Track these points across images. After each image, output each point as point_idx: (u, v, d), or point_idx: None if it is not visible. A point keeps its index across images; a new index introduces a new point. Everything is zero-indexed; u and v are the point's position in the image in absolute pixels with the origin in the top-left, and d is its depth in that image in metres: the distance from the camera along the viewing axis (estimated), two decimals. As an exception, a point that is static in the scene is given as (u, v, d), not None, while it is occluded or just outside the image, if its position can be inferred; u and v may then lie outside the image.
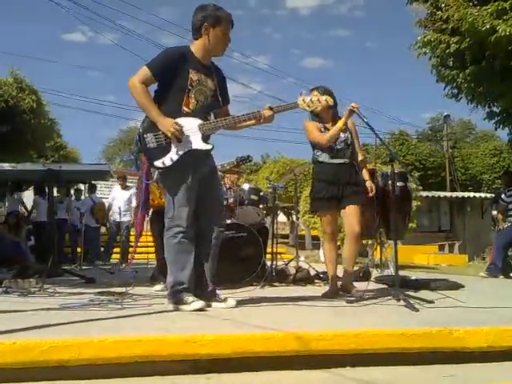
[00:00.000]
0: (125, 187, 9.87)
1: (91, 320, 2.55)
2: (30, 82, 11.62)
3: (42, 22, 65.56)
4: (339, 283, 4.14)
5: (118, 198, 9.75)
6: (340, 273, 4.10)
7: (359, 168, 4.11)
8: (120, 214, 9.51)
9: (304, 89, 4.09)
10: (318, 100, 3.26)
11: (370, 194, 4.01)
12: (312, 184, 4.24)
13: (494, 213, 8.32)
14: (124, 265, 8.55)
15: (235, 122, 3.25)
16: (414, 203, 10.30)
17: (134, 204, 9.52)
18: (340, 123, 3.94)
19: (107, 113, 74.16)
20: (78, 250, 10.02)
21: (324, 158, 4.06)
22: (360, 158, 4.14)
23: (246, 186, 5.74)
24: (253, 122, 3.34)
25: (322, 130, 4.08)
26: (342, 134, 4.03)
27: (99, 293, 3.73)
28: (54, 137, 14.66)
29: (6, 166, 4.89)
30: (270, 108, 3.22)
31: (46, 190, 5.48)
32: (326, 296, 3.90)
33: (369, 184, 4.04)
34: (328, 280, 4.27)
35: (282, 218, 18.90)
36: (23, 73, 11.80)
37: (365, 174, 4.11)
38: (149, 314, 2.85)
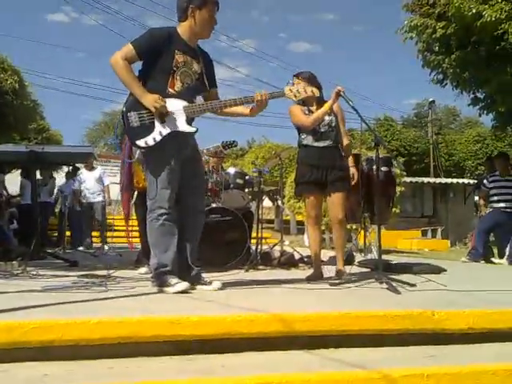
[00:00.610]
0: (91, 168, 9.48)
1: (74, 302, 2.54)
2: (11, 62, 11.38)
3: (24, 1, 64.09)
4: (323, 266, 4.17)
5: (86, 180, 9.43)
6: (324, 256, 4.13)
7: (344, 152, 4.10)
8: (92, 194, 9.32)
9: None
10: (305, 91, 3.24)
11: (353, 182, 4.01)
12: (296, 168, 4.22)
13: (477, 198, 8.39)
14: (107, 247, 8.47)
15: (221, 107, 3.21)
16: (398, 189, 10.41)
17: (106, 183, 9.57)
18: (326, 106, 3.91)
19: (92, 95, 72.88)
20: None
21: (308, 141, 4.04)
22: (345, 142, 4.10)
23: (231, 170, 5.73)
24: (242, 110, 3.31)
25: (307, 112, 4.06)
26: (326, 117, 3.99)
27: (83, 275, 3.71)
28: (36, 119, 14.41)
29: (-13, 147, 4.81)
30: (261, 95, 3.14)
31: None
32: (309, 279, 3.93)
33: (352, 171, 4.03)
34: (312, 263, 4.30)
35: (267, 202, 18.95)
36: (5, 53, 11.56)
37: (349, 160, 4.11)
38: (133, 296, 2.85)
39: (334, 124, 4.03)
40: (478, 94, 9.65)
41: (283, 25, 70.98)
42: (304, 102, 4.06)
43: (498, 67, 8.31)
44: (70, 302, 2.53)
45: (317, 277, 3.99)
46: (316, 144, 4.01)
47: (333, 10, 70.79)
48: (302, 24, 67.00)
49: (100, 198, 9.41)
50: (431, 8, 8.44)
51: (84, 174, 9.53)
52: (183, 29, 3.17)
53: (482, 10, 7.44)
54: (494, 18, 7.32)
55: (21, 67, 11.81)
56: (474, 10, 7.51)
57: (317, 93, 3.37)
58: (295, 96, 3.22)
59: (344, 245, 4.19)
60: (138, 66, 3.14)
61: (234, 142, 5.45)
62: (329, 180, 3.96)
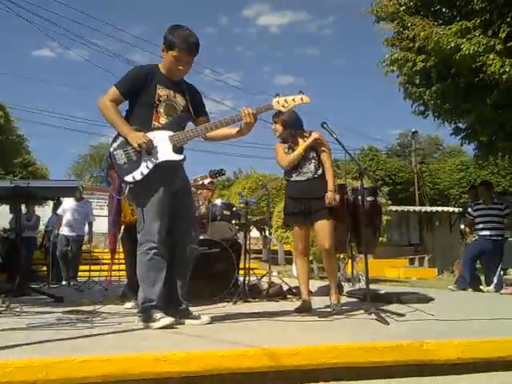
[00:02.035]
0: (79, 199, 8.93)
1: (59, 339, 2.49)
2: (-3, 98, 11.41)
3: (11, 37, 64.58)
4: (312, 298, 4.16)
5: (69, 211, 8.89)
6: (312, 287, 4.11)
7: (326, 176, 4.13)
8: (70, 227, 8.85)
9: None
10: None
11: (327, 202, 3.99)
12: (284, 200, 4.35)
13: (462, 226, 8.47)
14: (72, 282, 8.32)
15: (207, 130, 3.20)
16: (384, 217, 10.46)
17: (91, 220, 9.09)
18: (300, 149, 4.08)
19: (77, 129, 72.92)
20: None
21: (290, 175, 4.18)
22: (326, 166, 4.12)
23: (218, 202, 5.74)
24: (230, 131, 3.30)
25: (286, 151, 4.19)
26: (306, 150, 4.11)
27: (68, 311, 3.65)
28: (22, 153, 14.37)
29: (-28, 182, 4.77)
30: (248, 111, 3.10)
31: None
32: (298, 311, 3.91)
33: (328, 194, 4.02)
34: (300, 295, 4.29)
35: (255, 233, 18.91)
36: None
37: (329, 182, 4.09)
38: (118, 332, 2.80)
39: (311, 155, 4.11)
40: (460, 124, 9.84)
41: (267, 59, 72.19)
42: (284, 139, 4.20)
43: (477, 98, 8.50)
44: (54, 340, 2.47)
45: (305, 308, 3.97)
46: (297, 178, 4.14)
47: (314, 45, 72.26)
48: (285, 58, 68.19)
49: (79, 233, 8.96)
50: (411, 42, 8.64)
51: (68, 203, 8.93)
52: (163, 65, 3.23)
53: (460, 43, 7.64)
54: (472, 51, 7.51)
55: (6, 103, 11.83)
56: (452, 44, 7.71)
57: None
58: (283, 106, 3.17)
59: (334, 273, 4.21)
60: (125, 106, 3.21)
61: (221, 170, 5.45)
62: (313, 211, 4.03)
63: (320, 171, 4.10)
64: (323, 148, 4.15)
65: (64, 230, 8.89)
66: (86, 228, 9.20)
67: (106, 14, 64.15)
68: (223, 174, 5.56)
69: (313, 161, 4.10)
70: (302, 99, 3.20)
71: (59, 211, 9.10)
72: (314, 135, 4.09)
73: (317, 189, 4.06)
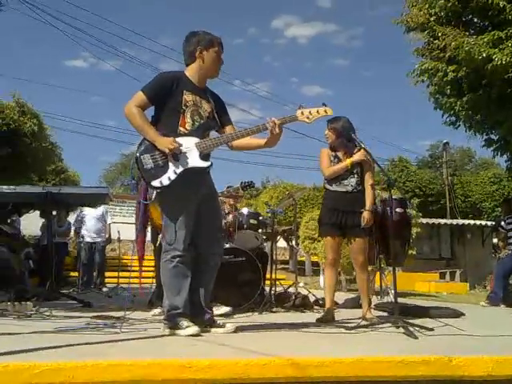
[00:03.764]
0: (94, 206, 8.68)
1: (86, 343, 2.52)
2: (31, 106, 11.72)
3: (46, 47, 66.41)
4: (338, 309, 4.13)
5: (88, 218, 9.08)
6: (339, 299, 4.08)
7: (366, 195, 4.11)
8: (92, 234, 9.01)
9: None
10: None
11: (363, 224, 3.98)
12: (321, 209, 4.35)
13: (495, 241, 8.28)
14: (105, 289, 8.42)
15: (233, 138, 3.21)
16: (414, 230, 10.28)
17: (108, 221, 9.31)
18: (348, 162, 4.09)
19: (108, 137, 74.30)
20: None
21: (330, 184, 4.18)
22: (368, 185, 4.13)
23: (245, 211, 5.74)
24: (257, 141, 3.31)
25: (332, 158, 4.20)
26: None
27: (95, 317, 3.69)
28: (54, 160, 14.68)
29: (5, 188, 4.89)
30: (274, 122, 3.10)
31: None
32: (320, 321, 3.89)
33: (365, 214, 4.00)
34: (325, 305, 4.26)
35: (282, 243, 18.84)
36: (25, 97, 11.91)
37: (367, 201, 4.08)
38: (145, 338, 2.82)
39: (355, 170, 4.12)
40: (492, 136, 9.66)
41: (295, 70, 72.32)
42: (334, 147, 4.19)
43: (509, 109, 8.34)
44: (81, 344, 2.51)
45: (328, 319, 3.95)
46: (336, 188, 4.14)
47: (343, 56, 72.09)
48: (313, 69, 68.16)
49: (99, 239, 9.11)
50: (442, 52, 8.55)
51: (86, 210, 9.07)
52: (191, 71, 3.27)
53: (491, 53, 7.54)
54: (504, 62, 7.40)
55: (41, 111, 12.13)
56: (484, 54, 7.60)
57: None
58: (308, 118, 3.16)
59: (366, 288, 4.17)
60: (150, 111, 3.23)
61: (251, 182, 5.48)
62: (348, 225, 4.04)
63: (360, 187, 4.12)
64: (368, 167, 4.15)
65: (87, 237, 9.06)
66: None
67: (137, 25, 65.39)
68: (253, 187, 5.57)
69: (355, 176, 4.12)
70: (325, 111, 3.21)
71: (78, 219, 9.29)
72: (362, 153, 4.09)
73: (355, 203, 4.06)
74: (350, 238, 4.06)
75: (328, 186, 4.20)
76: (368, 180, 4.14)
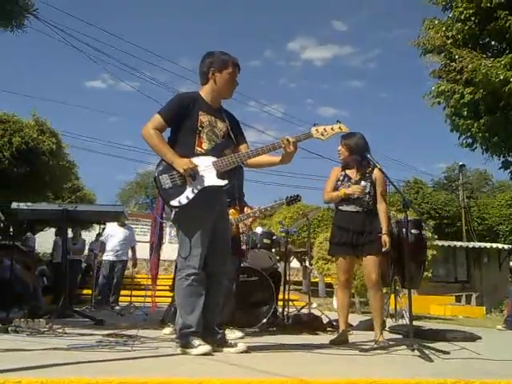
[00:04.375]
0: (123, 224, 9.05)
1: (98, 361, 2.52)
2: (50, 124, 11.90)
3: (66, 68, 67.75)
4: (352, 331, 4.07)
5: (114, 236, 9.09)
6: (353, 321, 4.02)
7: (380, 218, 4.06)
8: (116, 253, 9.01)
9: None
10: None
11: (384, 249, 3.95)
12: (331, 228, 4.31)
13: (512, 264, 8.14)
14: (118, 307, 8.43)
15: (249, 156, 3.23)
16: (430, 252, 10.18)
17: (133, 244, 9.33)
18: (341, 192, 4.06)
19: (125, 156, 75.04)
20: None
21: (341, 204, 4.14)
22: (381, 207, 4.09)
23: (258, 230, 5.73)
24: (272, 159, 3.31)
25: (341, 178, 4.17)
26: (362, 182, 4.08)
27: (108, 334, 3.69)
28: (71, 179, 14.83)
29: (22, 205, 4.95)
30: (288, 140, 3.11)
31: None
32: (333, 343, 3.83)
33: (384, 238, 3.97)
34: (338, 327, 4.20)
35: (295, 263, 18.72)
36: (44, 116, 12.11)
37: (383, 225, 4.04)
38: (156, 356, 2.81)
39: (367, 190, 4.07)
40: (509, 158, 9.58)
41: (310, 91, 72.73)
42: (347, 165, 4.17)
43: (527, 131, 8.29)
44: (93, 362, 2.50)
45: (342, 341, 3.88)
46: (347, 208, 4.09)
47: (358, 79, 72.38)
48: (329, 91, 68.49)
49: (123, 258, 9.14)
50: (458, 74, 8.55)
51: (112, 228, 9.12)
52: (206, 91, 3.31)
53: (509, 76, 7.52)
54: (521, 84, 7.37)
55: (59, 130, 12.30)
56: (501, 77, 7.59)
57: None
58: (322, 135, 3.16)
59: (380, 310, 4.07)
60: (167, 133, 3.28)
61: (297, 196, 5.21)
62: (359, 243, 3.99)
63: (372, 207, 4.07)
64: (382, 188, 4.11)
65: (109, 256, 9.04)
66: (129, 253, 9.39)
67: (155, 46, 66.53)
68: (299, 201, 5.34)
69: (367, 195, 4.06)
70: (340, 128, 3.21)
71: (102, 238, 9.31)
72: (356, 188, 4.03)
73: (367, 222, 4.02)
74: (362, 256, 4.00)
75: (339, 205, 4.16)
76: (382, 202, 4.08)
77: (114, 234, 9.08)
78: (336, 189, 4.17)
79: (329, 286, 14.11)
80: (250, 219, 5.09)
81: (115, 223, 8.85)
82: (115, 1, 69.36)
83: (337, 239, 4.10)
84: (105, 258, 9.07)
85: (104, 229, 9.64)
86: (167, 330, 4.26)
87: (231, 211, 4.58)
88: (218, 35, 64.29)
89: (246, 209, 4.85)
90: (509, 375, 2.57)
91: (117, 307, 8.50)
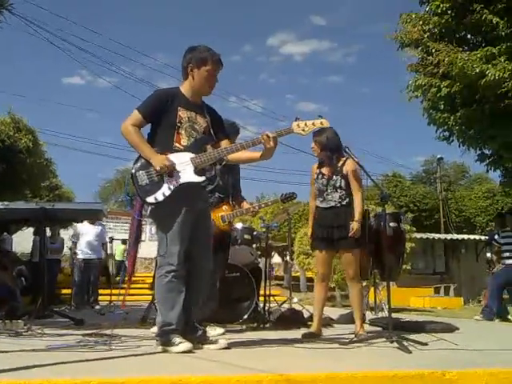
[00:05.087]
0: (93, 222, 8.95)
1: (78, 361, 2.50)
2: (27, 122, 11.72)
3: (43, 64, 66.65)
4: (334, 325, 4.11)
5: (86, 234, 8.95)
6: (334, 314, 4.05)
7: (354, 207, 4.09)
8: (88, 251, 8.90)
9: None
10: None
11: (350, 234, 3.97)
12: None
13: (489, 255, 8.27)
14: (98, 307, 8.37)
15: (228, 152, 3.22)
16: (409, 245, 10.29)
17: (106, 241, 9.40)
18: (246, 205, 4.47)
19: (104, 153, 74.29)
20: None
21: (317, 201, 4.20)
22: (355, 197, 4.10)
23: (239, 226, 5.72)
24: (252, 155, 3.31)
25: (316, 176, 4.20)
26: (334, 177, 4.10)
27: (87, 334, 3.65)
28: (49, 177, 14.65)
29: (-1, 204, 4.87)
30: (268, 135, 3.10)
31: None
32: (305, 336, 3.87)
33: (353, 225, 3.99)
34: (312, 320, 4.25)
35: (277, 258, 18.80)
36: (21, 113, 11.91)
37: (356, 214, 4.07)
38: (137, 355, 2.79)
39: (338, 184, 4.08)
40: (485, 151, 9.71)
41: (290, 86, 72.84)
42: (323, 162, 4.21)
43: (502, 124, 8.40)
44: (73, 362, 2.48)
45: (313, 334, 3.94)
46: (321, 205, 4.15)
47: (337, 73, 72.68)
48: (308, 86, 68.58)
49: (97, 255, 9.06)
50: (435, 68, 8.60)
51: (83, 226, 8.96)
52: (185, 87, 3.30)
53: (485, 69, 7.60)
54: (496, 77, 7.46)
55: (35, 126, 12.12)
56: (477, 70, 7.67)
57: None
58: (303, 130, 3.16)
59: (359, 303, 4.10)
60: (147, 128, 3.26)
61: (293, 193, 5.10)
62: (335, 239, 4.02)
63: (346, 201, 4.08)
64: (355, 179, 4.12)
65: (83, 254, 8.94)
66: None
67: (132, 41, 65.84)
68: (294, 198, 5.26)
69: (339, 190, 4.08)
70: (321, 123, 3.22)
71: (73, 237, 9.21)
72: (349, 167, 4.08)
73: (340, 217, 4.04)
74: (340, 250, 4.04)
75: (317, 203, 4.22)
76: (355, 193, 4.09)
77: (85, 232, 8.97)
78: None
79: (310, 280, 14.19)
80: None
81: (85, 222, 8.76)
82: (91, -4, 68.31)
83: (315, 235, 4.17)
84: (78, 256, 8.97)
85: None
86: (155, 329, 4.23)
87: (224, 207, 4.57)
88: (197, 30, 63.90)
89: (243, 203, 4.83)
90: (485, 365, 2.62)
91: (97, 306, 8.43)
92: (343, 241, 3.98)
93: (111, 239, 11.08)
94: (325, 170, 4.19)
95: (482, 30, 8.21)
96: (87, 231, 8.97)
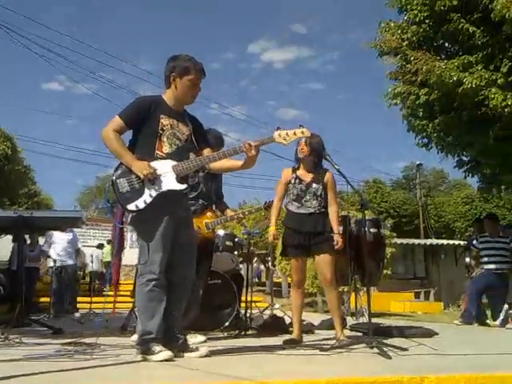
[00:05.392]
0: (64, 229, 8.66)
1: (56, 371, 2.46)
2: (5, 129, 11.58)
3: (21, 70, 65.89)
4: (316, 331, 4.12)
5: (57, 241, 9.02)
6: (315, 320, 4.06)
7: (331, 219, 4.10)
8: (62, 257, 8.92)
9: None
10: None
11: (336, 247, 4.00)
12: (283, 230, 4.29)
13: (467, 260, 8.38)
14: (78, 314, 8.28)
15: (210, 160, 3.22)
16: (389, 250, 10.40)
17: (78, 246, 9.38)
18: (272, 228, 4.20)
19: (84, 160, 73.54)
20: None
21: (292, 207, 4.14)
22: (332, 209, 4.13)
23: (220, 232, 5.71)
24: (234, 163, 3.31)
25: (293, 180, 4.15)
26: (313, 185, 4.10)
27: (66, 343, 3.61)
28: (27, 184, 14.49)
29: (-25, 213, 4.79)
30: (250, 144, 3.10)
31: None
32: (286, 343, 3.88)
33: (336, 237, 4.02)
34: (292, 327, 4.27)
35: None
36: (-1, 121, 11.78)
37: (334, 226, 4.07)
38: (116, 364, 2.76)
39: (319, 193, 4.09)
40: (463, 157, 9.89)
41: (271, 93, 73.22)
42: (298, 167, 4.19)
43: (480, 131, 8.56)
44: (51, 372, 2.44)
45: (294, 341, 3.95)
46: (300, 211, 4.10)
47: (318, 80, 73.25)
48: (289, 93, 69.01)
49: (70, 262, 9.07)
50: (414, 76, 8.74)
51: (55, 235, 9.03)
52: (168, 95, 3.29)
53: (462, 77, 7.74)
54: (474, 85, 7.60)
55: (13, 133, 11.99)
56: (454, 78, 7.81)
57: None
58: (285, 140, 3.15)
59: (337, 308, 4.11)
60: (128, 135, 3.24)
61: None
62: (312, 243, 4.01)
63: (324, 209, 4.09)
64: (333, 191, 4.15)
65: (55, 262, 8.90)
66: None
67: (114, 48, 65.47)
68: None
69: (318, 198, 4.08)
70: (302, 132, 3.22)
71: (45, 246, 9.17)
72: (329, 178, 4.12)
73: (319, 224, 4.05)
74: (316, 255, 4.01)
75: (290, 208, 4.15)
76: (332, 204, 4.11)
77: (56, 239, 8.99)
78: (287, 191, 4.18)
79: (292, 286, 14.20)
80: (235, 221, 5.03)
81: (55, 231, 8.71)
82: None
83: (290, 241, 4.10)
84: (51, 264, 8.95)
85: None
86: (135, 337, 4.19)
87: (208, 214, 4.55)
88: (178, 38, 63.90)
89: (227, 211, 4.82)
90: (464, 370, 2.65)
91: (76, 314, 8.32)
92: (321, 245, 3.99)
93: (102, 245, 11.01)
94: (303, 175, 4.15)
95: (459, 38, 8.38)
96: (58, 238, 8.98)
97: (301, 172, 4.18)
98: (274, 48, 69.26)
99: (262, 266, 18.65)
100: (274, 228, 4.17)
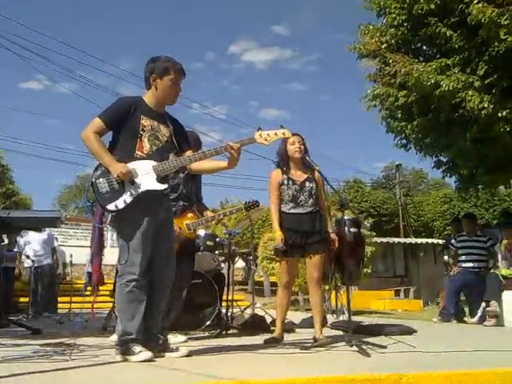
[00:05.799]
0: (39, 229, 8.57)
1: (34, 372, 2.44)
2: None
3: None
4: (297, 329, 4.13)
5: (32, 242, 8.91)
6: (296, 319, 4.08)
7: (325, 217, 4.13)
8: (39, 257, 8.82)
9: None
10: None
11: (332, 246, 4.04)
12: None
13: (446, 258, 8.52)
14: (53, 314, 8.19)
15: (191, 161, 3.22)
16: (369, 249, 10.49)
17: (54, 245, 9.26)
18: (277, 233, 4.00)
19: (64, 159, 72.60)
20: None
21: (288, 207, 4.10)
22: (323, 208, 4.15)
23: (201, 232, 5.70)
24: (217, 164, 3.33)
25: (286, 182, 4.11)
26: (307, 184, 4.10)
27: (45, 344, 3.58)
28: (5, 183, 14.27)
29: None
30: (230, 145, 3.11)
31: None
32: (267, 342, 3.89)
33: (332, 236, 4.06)
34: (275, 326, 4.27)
35: (241, 263, 18.79)
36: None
37: (328, 225, 4.12)
38: (95, 365, 2.75)
39: (314, 191, 4.09)
40: (441, 158, 10.04)
41: (253, 94, 73.29)
42: (293, 163, 4.15)
43: (457, 133, 8.70)
44: (29, 373, 2.42)
45: (275, 340, 3.96)
46: (296, 211, 4.07)
47: (299, 81, 73.55)
48: (271, 93, 69.10)
49: (48, 261, 8.98)
50: (392, 78, 8.83)
51: (30, 235, 8.91)
52: (148, 96, 3.29)
53: (439, 80, 7.85)
54: (451, 88, 7.71)
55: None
56: (432, 81, 7.91)
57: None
58: (266, 140, 3.18)
59: (320, 306, 4.12)
60: (108, 136, 3.23)
61: (256, 201, 5.12)
62: (308, 243, 4.01)
63: (318, 207, 4.09)
64: (323, 189, 4.18)
65: (31, 262, 8.80)
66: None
67: (94, 48, 64.85)
68: (257, 206, 5.22)
69: (313, 196, 4.09)
70: (283, 133, 3.25)
71: (20, 246, 9.05)
72: (318, 176, 4.12)
73: (317, 222, 4.05)
74: (310, 253, 4.01)
75: (284, 209, 4.11)
76: (323, 200, 4.16)
77: (31, 239, 8.90)
78: (281, 193, 4.12)
79: (274, 284, 14.23)
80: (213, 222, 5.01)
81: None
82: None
83: (289, 241, 4.02)
84: (27, 265, 8.88)
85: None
86: (114, 337, 4.17)
87: (189, 215, 4.54)
88: (158, 38, 63.51)
89: (207, 212, 4.81)
90: (442, 367, 2.70)
91: (54, 315, 8.22)
92: (317, 245, 4.00)
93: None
94: (295, 176, 4.13)
95: (437, 42, 8.48)
96: (33, 238, 8.88)
97: (292, 172, 4.16)
98: (255, 48, 69.33)
99: (243, 264, 18.64)
100: (280, 232, 4.02)
